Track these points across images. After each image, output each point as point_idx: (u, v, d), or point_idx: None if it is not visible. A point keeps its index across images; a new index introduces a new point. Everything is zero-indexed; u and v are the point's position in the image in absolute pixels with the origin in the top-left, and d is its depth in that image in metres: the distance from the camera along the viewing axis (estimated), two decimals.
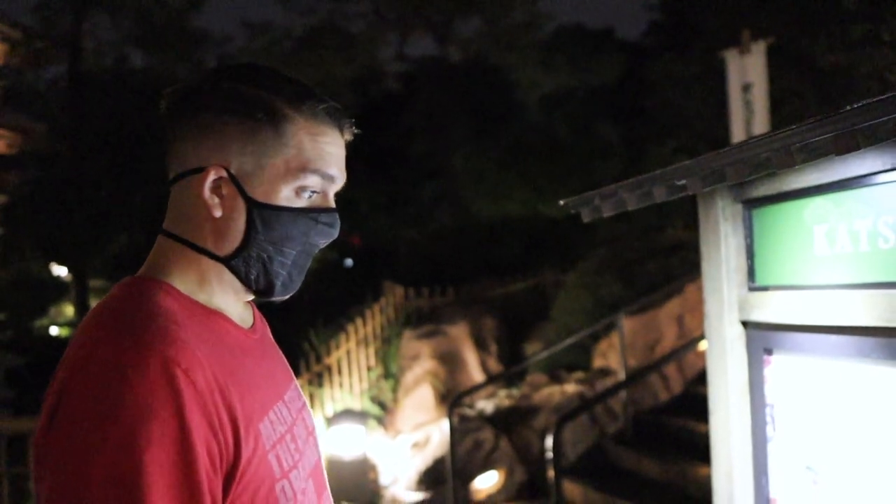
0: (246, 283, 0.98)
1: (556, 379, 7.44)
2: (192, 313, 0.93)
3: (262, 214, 0.94)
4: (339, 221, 1.01)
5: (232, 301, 1.01)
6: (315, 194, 0.98)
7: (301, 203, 0.96)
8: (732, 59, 8.08)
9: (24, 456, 4.29)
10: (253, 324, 1.06)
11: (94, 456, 0.76)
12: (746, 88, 7.94)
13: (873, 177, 1.56)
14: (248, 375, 0.94)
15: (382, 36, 21.29)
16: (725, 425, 2.00)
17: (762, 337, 1.92)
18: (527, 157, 16.81)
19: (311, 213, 0.97)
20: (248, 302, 1.09)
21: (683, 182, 1.65)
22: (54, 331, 16.38)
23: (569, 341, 6.82)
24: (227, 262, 0.96)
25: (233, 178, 0.94)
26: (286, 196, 0.95)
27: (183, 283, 0.96)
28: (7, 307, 13.90)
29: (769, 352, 1.92)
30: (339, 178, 1.00)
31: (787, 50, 8.91)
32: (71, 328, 16.24)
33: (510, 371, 7.34)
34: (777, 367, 1.91)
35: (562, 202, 2.04)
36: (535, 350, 8.46)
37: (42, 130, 16.14)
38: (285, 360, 1.13)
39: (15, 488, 4.65)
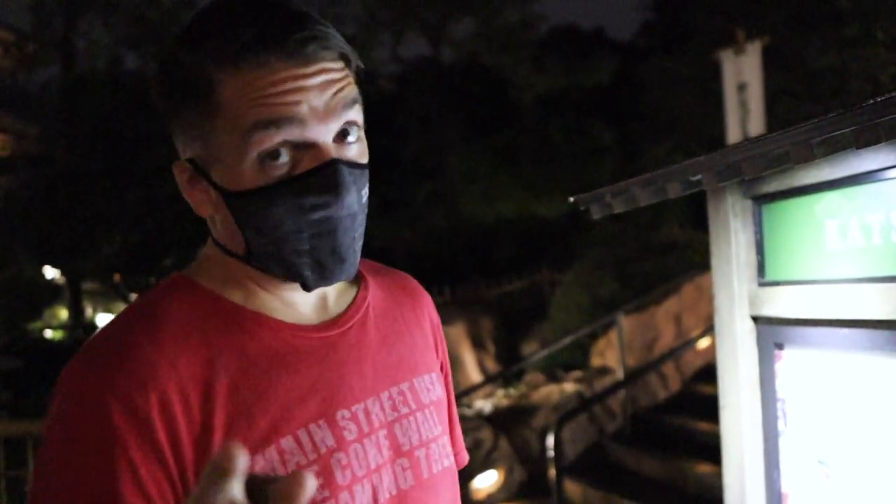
0: (282, 278, 0.82)
1: (554, 378, 7.46)
2: (212, 314, 0.80)
3: (236, 204, 0.77)
4: (339, 171, 0.75)
5: (286, 296, 0.85)
6: (290, 152, 0.75)
7: (277, 173, 0.75)
8: (727, 59, 8.12)
9: (22, 459, 4.27)
10: (338, 317, 0.88)
11: (35, 477, 0.73)
12: (742, 88, 7.99)
13: (886, 171, 1.58)
14: (266, 390, 0.78)
15: (376, 37, 21.27)
16: (736, 420, 2.01)
17: (773, 332, 1.94)
18: (521, 158, 16.85)
19: (286, 183, 0.75)
20: (358, 288, 0.92)
21: (698, 177, 1.66)
22: (48, 334, 16.30)
23: (566, 340, 6.83)
24: (246, 261, 0.82)
25: (199, 170, 0.79)
26: (251, 172, 0.75)
27: (213, 281, 0.83)
28: (1, 310, 13.83)
29: (780, 346, 1.93)
30: (311, 115, 0.74)
31: (780, 50, 8.96)
32: (65, 331, 16.17)
33: (508, 371, 7.36)
34: (788, 361, 1.93)
35: (572, 199, 2.04)
36: (532, 349, 8.47)
37: (35, 133, 16.10)
38: (402, 354, 0.92)
39: (13, 491, 4.61)
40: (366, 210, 0.84)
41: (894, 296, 1.60)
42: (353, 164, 0.79)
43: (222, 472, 0.49)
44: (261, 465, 0.75)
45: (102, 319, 19.27)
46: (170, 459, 0.72)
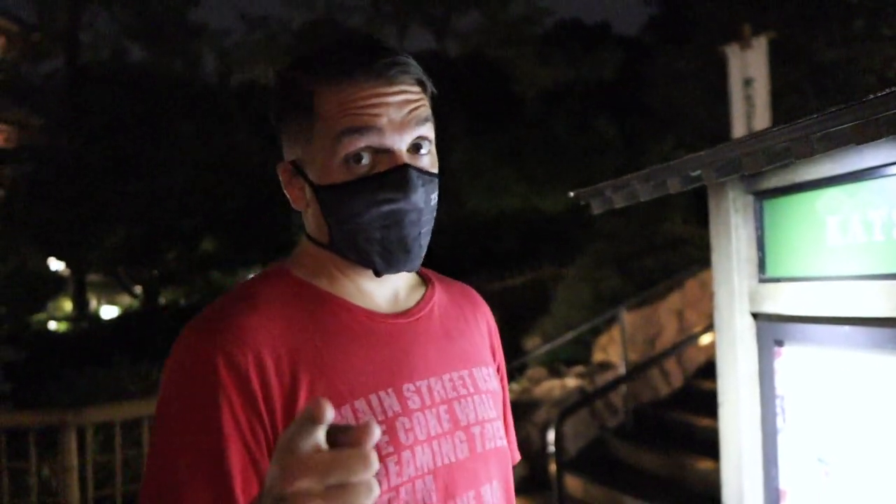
0: (356, 264, 0.96)
1: (556, 373, 7.45)
2: (298, 297, 0.95)
3: (324, 197, 0.93)
4: (409, 174, 0.90)
5: (363, 285, 0.99)
6: (371, 156, 0.91)
7: (359, 172, 0.90)
8: (733, 54, 8.07)
9: (24, 450, 4.26)
10: (408, 310, 1.02)
11: (156, 417, 0.88)
12: (747, 83, 7.94)
13: (888, 167, 1.56)
14: (343, 360, 0.92)
15: (380, 30, 21.25)
16: (735, 417, 2.01)
17: (773, 328, 1.92)
18: (525, 152, 16.82)
19: (365, 180, 0.90)
20: (426, 288, 1.07)
21: (698, 173, 1.65)
22: (52, 325, 16.33)
23: (569, 335, 6.83)
24: (329, 248, 0.97)
25: (298, 169, 0.96)
26: (338, 170, 0.91)
27: (301, 270, 0.99)
28: (5, 301, 13.87)
29: (780, 343, 1.92)
30: (389, 126, 0.90)
31: (786, 45, 8.92)
32: (69, 323, 16.21)
33: (510, 365, 7.34)
34: (788, 358, 1.91)
35: (572, 193, 2.03)
36: (534, 344, 8.47)
37: (39, 124, 16.10)
38: (462, 347, 1.05)
39: (14, 483, 4.61)
40: (434, 213, 0.98)
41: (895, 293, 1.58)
42: (424, 172, 0.94)
43: (312, 419, 0.58)
44: (336, 421, 0.85)
45: (106, 311, 19.31)
46: (262, 407, 0.86)
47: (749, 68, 8.08)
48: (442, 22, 21.07)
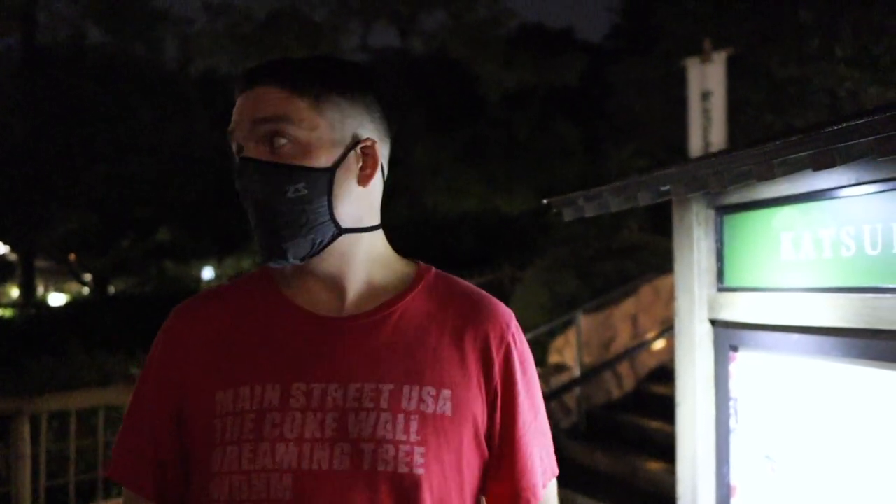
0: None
1: None
2: (251, 294, 1.07)
3: None
4: (245, 166, 0.97)
5: (309, 284, 1.04)
6: (241, 148, 1.00)
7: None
8: (693, 67, 8.30)
9: None
10: (361, 313, 1.01)
11: None
12: (705, 96, 8.17)
13: (838, 190, 1.70)
14: (254, 350, 1.00)
15: (345, 25, 21.16)
16: (691, 417, 2.13)
17: (729, 335, 2.06)
18: (485, 153, 16.95)
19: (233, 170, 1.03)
20: (411, 289, 1.04)
21: (667, 188, 1.76)
22: None
23: (526, 337, 6.93)
24: None
25: None
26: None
27: (275, 270, 1.08)
28: None
29: (735, 349, 2.05)
30: (238, 127, 0.99)
31: (744, 61, 9.19)
32: (15, 309, 15.78)
33: None
34: (742, 363, 2.05)
35: (545, 201, 2.13)
36: None
37: None
38: (405, 361, 0.98)
39: None
40: (303, 205, 0.96)
41: (842, 305, 1.72)
42: (263, 162, 0.97)
43: None
44: (219, 397, 0.98)
45: (54, 299, 18.86)
46: (176, 373, 1.02)
47: (708, 82, 8.31)
48: (408, 20, 21.09)
